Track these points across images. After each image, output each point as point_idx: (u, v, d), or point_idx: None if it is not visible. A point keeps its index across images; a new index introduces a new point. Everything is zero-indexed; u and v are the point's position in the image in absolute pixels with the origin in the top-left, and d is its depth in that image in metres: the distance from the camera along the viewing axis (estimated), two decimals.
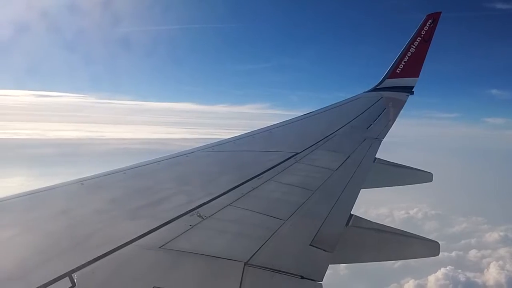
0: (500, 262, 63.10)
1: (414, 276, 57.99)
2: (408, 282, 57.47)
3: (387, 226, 3.98)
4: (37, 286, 1.97)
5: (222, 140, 6.58)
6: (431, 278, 58.30)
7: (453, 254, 67.43)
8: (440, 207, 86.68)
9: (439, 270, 59.27)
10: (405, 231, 4.01)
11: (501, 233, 75.59)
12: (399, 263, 55.52)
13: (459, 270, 60.45)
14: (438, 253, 3.85)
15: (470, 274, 60.67)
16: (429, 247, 3.96)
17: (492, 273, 60.82)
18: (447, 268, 59.97)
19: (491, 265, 63.06)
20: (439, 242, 3.93)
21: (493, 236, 75.67)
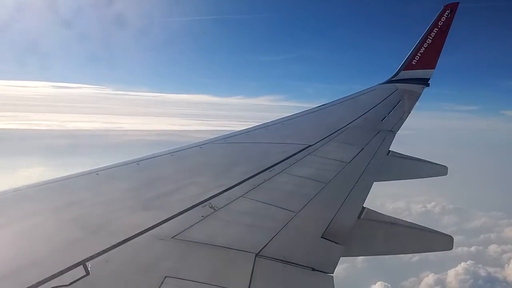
0: None
1: (433, 270, 57.42)
2: (427, 276, 56.93)
3: (400, 220, 3.95)
4: (51, 274, 2.01)
5: (235, 132, 6.59)
6: (451, 273, 57.69)
7: (473, 248, 66.51)
8: (458, 201, 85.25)
9: (459, 265, 58.57)
10: (418, 225, 3.96)
11: None
12: (417, 257, 55.17)
13: (480, 265, 59.57)
14: (452, 247, 3.80)
15: (490, 269, 59.76)
16: (443, 241, 3.91)
17: None
18: (468, 262, 59.20)
19: None
20: (452, 236, 3.88)
21: None
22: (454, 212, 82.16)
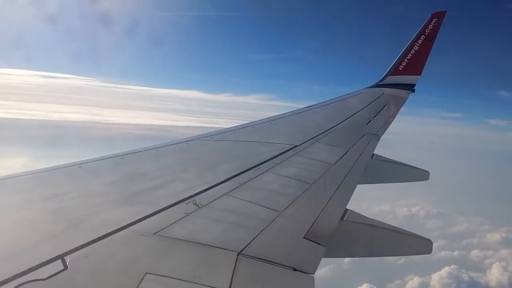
0: (503, 263, 63.13)
1: (418, 273, 57.97)
2: (412, 279, 57.46)
3: (382, 222, 4.00)
4: (28, 267, 1.97)
5: (222, 130, 6.57)
6: (435, 276, 58.27)
7: (456, 253, 67.55)
8: (441, 206, 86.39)
9: (443, 269, 59.35)
10: (399, 228, 4.02)
11: (503, 235, 75.20)
12: (402, 259, 55.85)
13: (463, 270, 60.53)
14: (431, 251, 3.87)
15: (473, 274, 60.71)
16: (422, 245, 3.98)
17: (495, 274, 60.90)
18: (451, 267, 60.00)
19: (494, 266, 63.16)
20: (432, 241, 3.95)
21: (495, 237, 75.53)
22: (437, 216, 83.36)
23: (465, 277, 59.24)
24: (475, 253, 69.52)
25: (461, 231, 78.12)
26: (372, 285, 53.68)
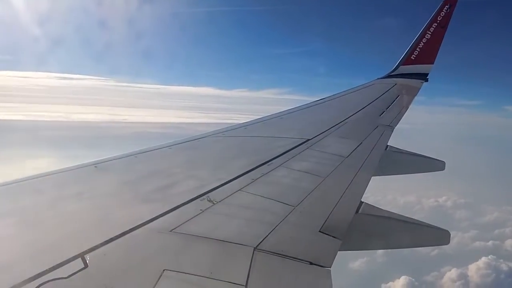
0: None
1: (454, 264, 57.24)
2: (450, 270, 56.74)
3: (397, 214, 3.97)
4: (50, 266, 2.02)
5: (234, 125, 6.57)
6: (472, 267, 57.44)
7: (490, 243, 66.13)
8: (468, 195, 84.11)
9: (480, 259, 58.34)
10: (415, 219, 3.99)
11: None
12: (436, 251, 55.15)
13: (501, 260, 59.29)
14: (449, 242, 3.83)
15: (510, 264, 59.28)
16: (440, 236, 3.93)
17: None
18: (489, 257, 58.96)
19: None
20: (449, 231, 3.90)
21: None
22: (465, 206, 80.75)
23: (503, 267, 57.94)
24: (509, 242, 67.77)
25: (492, 220, 76.10)
26: (410, 277, 52.93)
